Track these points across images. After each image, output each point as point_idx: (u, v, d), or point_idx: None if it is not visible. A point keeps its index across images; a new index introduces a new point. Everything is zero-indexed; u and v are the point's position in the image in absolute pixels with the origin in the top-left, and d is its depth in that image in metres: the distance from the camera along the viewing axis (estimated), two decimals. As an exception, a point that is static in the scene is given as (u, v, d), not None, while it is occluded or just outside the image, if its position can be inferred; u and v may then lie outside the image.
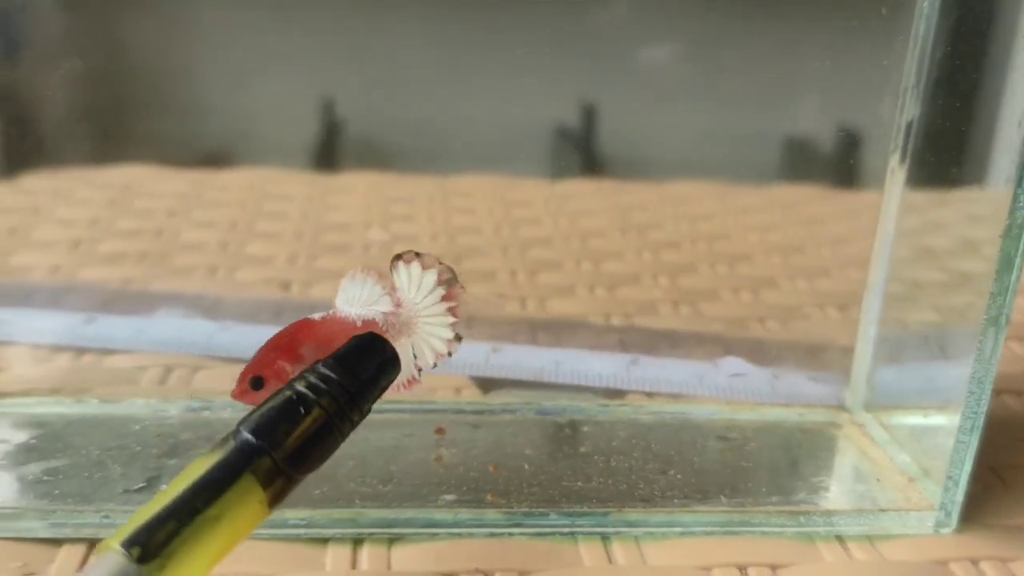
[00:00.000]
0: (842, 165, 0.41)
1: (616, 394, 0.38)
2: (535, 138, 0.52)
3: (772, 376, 0.39)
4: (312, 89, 0.48)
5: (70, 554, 0.28)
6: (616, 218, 0.56)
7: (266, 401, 0.25)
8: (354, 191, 0.57)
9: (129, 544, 0.21)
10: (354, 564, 0.28)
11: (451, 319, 0.28)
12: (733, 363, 0.39)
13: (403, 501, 0.30)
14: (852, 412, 0.37)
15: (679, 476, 0.32)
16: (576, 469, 0.33)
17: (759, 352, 0.41)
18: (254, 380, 0.26)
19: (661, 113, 0.47)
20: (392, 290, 0.27)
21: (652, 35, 0.43)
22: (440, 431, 0.34)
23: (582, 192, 0.57)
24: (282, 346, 0.26)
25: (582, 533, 0.30)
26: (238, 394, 0.26)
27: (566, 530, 0.30)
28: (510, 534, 0.30)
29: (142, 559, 0.21)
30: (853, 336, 0.38)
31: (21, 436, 0.33)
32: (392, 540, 0.29)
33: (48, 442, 0.33)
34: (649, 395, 0.38)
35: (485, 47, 0.46)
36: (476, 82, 0.47)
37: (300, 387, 0.25)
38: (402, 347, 0.27)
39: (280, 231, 0.52)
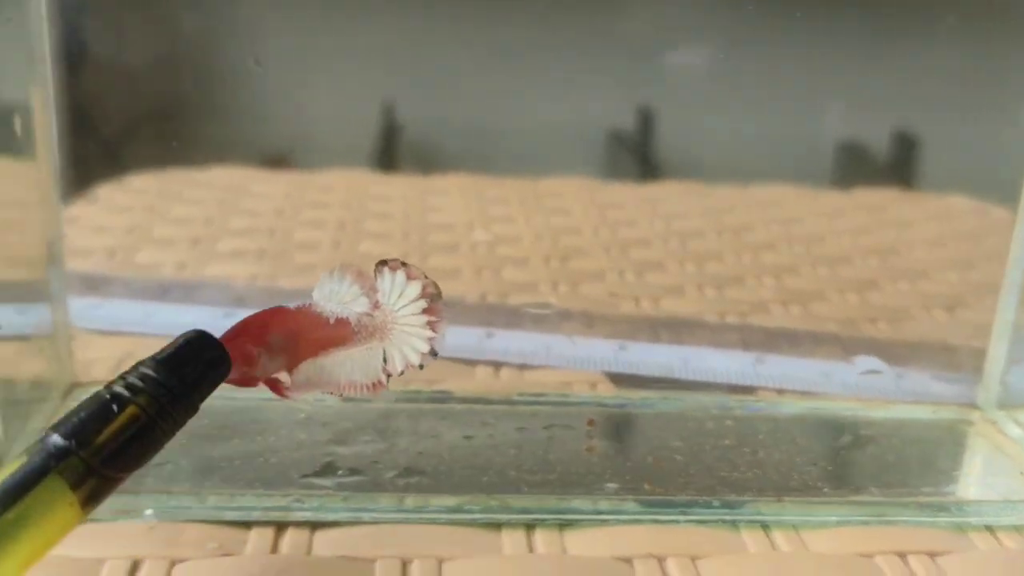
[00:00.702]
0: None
1: (745, 390, 0.39)
2: (598, 141, 0.53)
3: (896, 375, 0.40)
4: (382, 97, 0.50)
5: (261, 535, 0.29)
6: (709, 220, 0.57)
7: (80, 404, 0.24)
8: (447, 193, 0.59)
9: None
10: (530, 548, 0.29)
11: (430, 333, 0.27)
12: (868, 361, 0.39)
13: (568, 489, 0.31)
14: (984, 410, 0.37)
15: (829, 468, 0.34)
16: (725, 460, 0.34)
17: (878, 351, 0.42)
18: None
19: (769, 119, 0.48)
20: (372, 292, 0.27)
21: (779, 42, 0.44)
22: (591, 423, 0.35)
23: (671, 194, 0.59)
24: (252, 330, 0.26)
25: (743, 521, 0.31)
26: None
27: (728, 518, 0.31)
28: (676, 521, 0.31)
29: None
30: (969, 336, 0.39)
31: (188, 424, 0.34)
32: (562, 525, 0.30)
33: (217, 430, 0.34)
34: (779, 392, 0.39)
35: (550, 52, 0.47)
36: (545, 87, 0.48)
37: (116, 387, 0.24)
38: (373, 350, 0.27)
39: (387, 231, 0.54)
